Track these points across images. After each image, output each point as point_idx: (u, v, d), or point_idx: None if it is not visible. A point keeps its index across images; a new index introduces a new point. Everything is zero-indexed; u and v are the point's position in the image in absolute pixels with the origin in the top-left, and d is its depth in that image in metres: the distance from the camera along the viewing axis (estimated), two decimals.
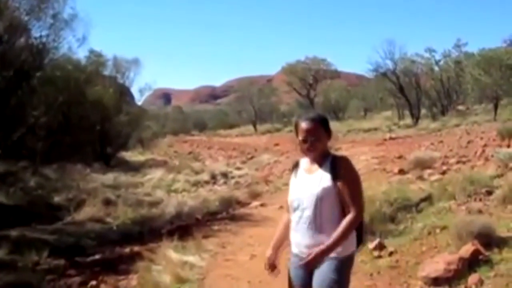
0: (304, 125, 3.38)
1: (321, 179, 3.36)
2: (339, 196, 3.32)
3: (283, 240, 3.67)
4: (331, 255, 3.29)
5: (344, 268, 3.36)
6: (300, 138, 3.40)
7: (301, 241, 3.42)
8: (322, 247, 3.25)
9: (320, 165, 3.42)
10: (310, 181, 3.41)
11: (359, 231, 3.49)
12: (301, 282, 3.48)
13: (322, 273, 3.32)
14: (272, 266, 3.61)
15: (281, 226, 3.70)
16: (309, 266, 3.31)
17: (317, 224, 3.34)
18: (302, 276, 3.45)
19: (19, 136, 14.84)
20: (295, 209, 3.45)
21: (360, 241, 3.54)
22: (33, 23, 14.84)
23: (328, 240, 3.26)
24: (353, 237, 3.42)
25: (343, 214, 3.32)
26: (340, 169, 3.34)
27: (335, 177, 3.33)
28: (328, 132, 3.44)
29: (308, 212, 3.35)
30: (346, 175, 3.34)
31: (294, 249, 3.50)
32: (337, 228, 3.27)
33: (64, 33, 15.67)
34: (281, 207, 11.71)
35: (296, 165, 3.62)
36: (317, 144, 3.38)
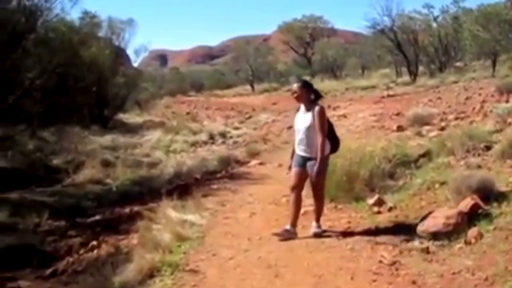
0: (293, 87, 6.54)
1: (309, 117, 6.28)
2: (315, 127, 6.21)
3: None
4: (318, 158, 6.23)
5: (323, 162, 6.27)
6: (292, 93, 6.49)
7: (301, 149, 6.37)
8: (318, 158, 6.16)
9: (309, 109, 6.34)
10: (304, 118, 6.36)
11: (335, 146, 6.59)
12: (300, 163, 6.42)
13: (313, 164, 6.24)
14: (290, 168, 6.59)
15: (292, 146, 6.66)
16: (320, 166, 6.18)
17: (307, 141, 6.30)
18: (301, 160, 6.40)
19: (15, 99, 14.65)
20: (297, 133, 6.42)
21: (334, 150, 6.60)
22: None
23: (318, 154, 6.16)
24: (328, 148, 6.35)
25: (316, 136, 6.21)
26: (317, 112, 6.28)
27: (313, 117, 6.24)
28: (308, 89, 6.42)
29: (303, 136, 6.34)
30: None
31: (298, 151, 6.43)
32: (315, 144, 6.20)
33: None
34: (279, 165, 11.72)
35: (299, 108, 6.53)
36: (300, 97, 6.40)
